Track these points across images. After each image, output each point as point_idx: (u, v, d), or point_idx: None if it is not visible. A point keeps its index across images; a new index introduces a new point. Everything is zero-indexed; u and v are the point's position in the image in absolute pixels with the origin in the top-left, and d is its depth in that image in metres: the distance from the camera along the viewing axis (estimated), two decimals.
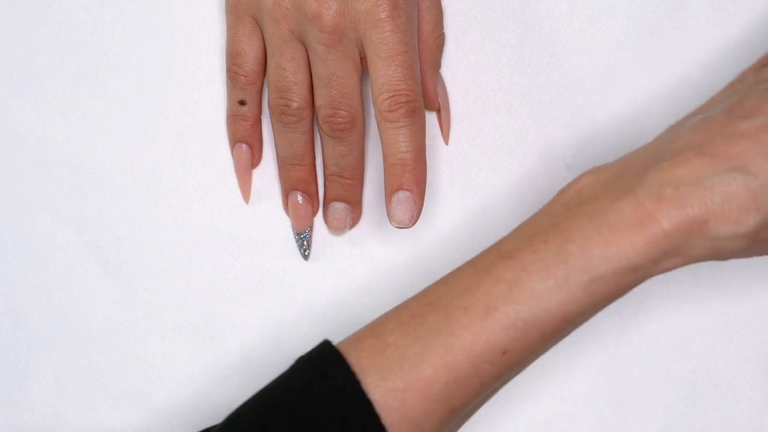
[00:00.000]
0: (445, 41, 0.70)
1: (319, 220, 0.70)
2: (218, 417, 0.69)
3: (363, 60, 0.64)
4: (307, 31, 0.63)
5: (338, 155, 0.66)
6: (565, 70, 0.71)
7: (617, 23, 0.71)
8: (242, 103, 0.68)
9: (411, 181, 0.64)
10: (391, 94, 0.63)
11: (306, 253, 0.70)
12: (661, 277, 0.70)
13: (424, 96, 0.69)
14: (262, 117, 0.69)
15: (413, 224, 0.64)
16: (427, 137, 0.70)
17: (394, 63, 0.63)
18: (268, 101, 0.67)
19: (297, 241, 0.70)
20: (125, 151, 0.70)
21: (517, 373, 0.59)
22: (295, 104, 0.65)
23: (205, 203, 0.70)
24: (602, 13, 0.71)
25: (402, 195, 0.64)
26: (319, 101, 0.65)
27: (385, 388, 0.56)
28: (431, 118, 0.70)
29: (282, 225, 0.70)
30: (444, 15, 0.70)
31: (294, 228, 0.70)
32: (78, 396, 0.69)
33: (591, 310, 0.57)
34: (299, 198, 0.69)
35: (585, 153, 0.70)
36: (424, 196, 0.64)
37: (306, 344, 0.67)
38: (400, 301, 0.60)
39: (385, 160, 0.64)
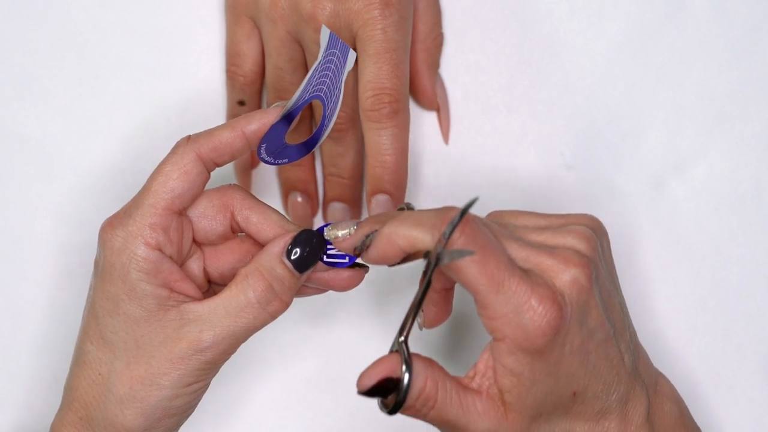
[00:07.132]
0: (445, 41, 0.70)
1: (318, 220, 0.70)
2: (219, 416, 0.70)
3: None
4: (303, 31, 0.63)
5: (336, 156, 0.66)
6: (565, 70, 0.70)
7: (617, 23, 0.71)
8: (241, 103, 0.68)
9: (391, 184, 0.64)
10: (375, 93, 0.63)
11: None
12: (660, 276, 0.70)
13: (423, 95, 0.69)
14: None
15: None
16: (427, 137, 0.70)
17: (381, 61, 0.62)
18: (267, 101, 0.67)
19: None
20: (125, 151, 0.70)
21: None
22: None
23: None
24: (602, 13, 0.71)
25: (381, 198, 0.64)
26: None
27: None
28: (431, 118, 0.70)
29: None
30: (444, 15, 0.70)
31: None
32: None
33: None
34: (299, 198, 0.69)
35: (585, 153, 0.70)
36: (404, 198, 0.65)
37: (306, 344, 0.67)
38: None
39: (367, 160, 0.64)
